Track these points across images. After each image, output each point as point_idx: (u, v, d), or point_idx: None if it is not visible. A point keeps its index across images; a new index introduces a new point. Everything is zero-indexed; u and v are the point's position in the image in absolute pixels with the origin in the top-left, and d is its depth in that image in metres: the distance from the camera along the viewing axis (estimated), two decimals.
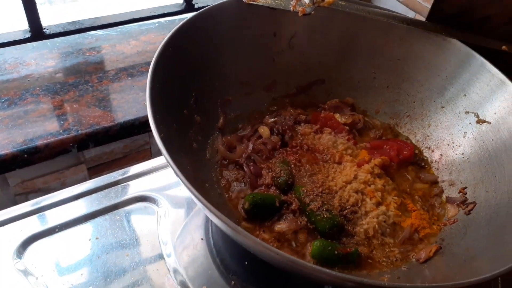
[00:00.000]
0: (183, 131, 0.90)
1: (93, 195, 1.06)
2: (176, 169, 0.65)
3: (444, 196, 1.00)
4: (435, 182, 1.02)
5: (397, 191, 0.98)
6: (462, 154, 1.01)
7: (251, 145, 1.00)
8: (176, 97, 0.90)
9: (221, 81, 1.05)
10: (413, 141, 1.12)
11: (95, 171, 1.30)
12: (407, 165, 1.05)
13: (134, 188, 1.09)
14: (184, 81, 0.94)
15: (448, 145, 1.05)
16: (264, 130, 1.04)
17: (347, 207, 0.89)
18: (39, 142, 1.13)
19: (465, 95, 1.04)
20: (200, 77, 0.99)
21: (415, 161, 1.07)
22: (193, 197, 0.64)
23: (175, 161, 0.67)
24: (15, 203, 1.08)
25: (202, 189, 0.85)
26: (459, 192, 0.98)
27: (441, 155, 1.06)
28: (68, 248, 0.95)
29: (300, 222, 0.87)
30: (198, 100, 0.97)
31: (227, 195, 0.92)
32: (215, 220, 0.62)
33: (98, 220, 1.01)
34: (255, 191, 0.92)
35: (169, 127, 0.84)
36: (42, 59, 1.40)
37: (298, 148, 1.01)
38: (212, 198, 0.87)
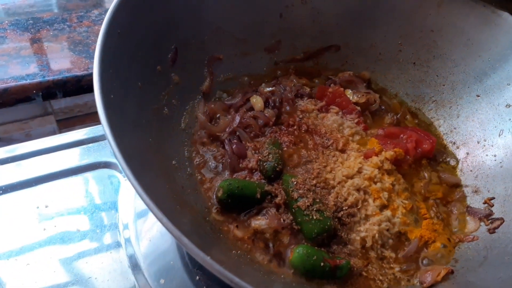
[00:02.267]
0: (152, 91, 0.73)
1: (50, 154, 0.91)
2: (111, 138, 0.48)
3: (464, 204, 0.82)
4: (456, 186, 0.84)
5: (408, 192, 0.80)
6: (495, 156, 0.83)
7: (238, 118, 0.82)
8: (147, 48, 0.72)
9: (212, 34, 0.86)
10: (436, 133, 0.93)
11: (66, 124, 1.14)
12: (424, 161, 0.87)
13: (100, 151, 0.93)
14: (161, 29, 0.75)
15: (478, 142, 0.87)
16: (257, 101, 0.86)
17: (344, 208, 0.73)
18: None
19: (509, 85, 0.84)
20: (184, 26, 0.80)
21: (435, 157, 0.88)
22: (131, 184, 0.47)
23: (117, 133, 0.50)
24: None
25: (164, 169, 0.68)
26: (484, 203, 0.80)
27: (468, 153, 0.88)
28: (9, 215, 0.81)
29: (284, 220, 0.70)
30: (179, 55, 0.79)
31: (199, 177, 0.75)
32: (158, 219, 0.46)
33: (51, 184, 0.87)
34: (234, 176, 0.76)
35: (131, 86, 0.66)
36: None
37: (295, 128, 0.83)
38: (177, 180, 0.70)
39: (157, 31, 0.74)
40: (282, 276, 0.66)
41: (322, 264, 0.65)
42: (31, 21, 1.12)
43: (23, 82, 0.99)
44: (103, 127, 0.50)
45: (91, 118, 1.16)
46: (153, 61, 0.74)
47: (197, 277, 0.76)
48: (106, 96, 0.54)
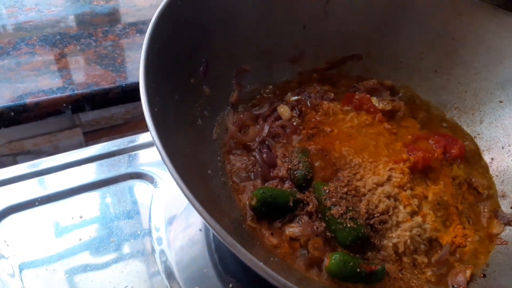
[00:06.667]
0: (187, 104, 0.75)
1: (83, 166, 0.93)
2: (162, 152, 0.50)
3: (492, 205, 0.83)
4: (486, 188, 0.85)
5: (437, 198, 0.81)
6: None
7: (267, 127, 0.84)
8: (182, 62, 0.74)
9: (239, 47, 0.88)
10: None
11: (92, 136, 1.16)
12: (453, 165, 0.88)
13: (130, 162, 0.95)
14: (194, 43, 0.78)
15: (503, 148, 0.88)
16: (284, 110, 0.88)
17: (376, 215, 0.74)
18: (28, 100, 1.00)
19: None
20: (214, 39, 0.83)
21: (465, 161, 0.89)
22: (180, 191, 0.49)
23: (164, 143, 0.52)
24: (2, 165, 0.96)
25: (201, 177, 0.70)
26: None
27: (493, 159, 0.89)
28: (47, 225, 0.83)
29: (317, 228, 0.72)
30: (209, 68, 0.81)
31: (232, 186, 0.77)
32: (204, 220, 0.47)
33: (85, 196, 0.89)
34: (266, 184, 0.77)
35: (169, 98, 0.69)
36: (44, 5, 1.25)
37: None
38: (213, 188, 0.72)
39: (190, 46, 0.76)
40: (319, 282, 0.67)
41: (358, 270, 0.66)
42: (58, 37, 1.15)
43: (54, 96, 1.02)
44: (152, 138, 0.52)
45: (116, 131, 1.19)
46: (186, 75, 0.76)
47: (230, 285, 0.77)
48: (152, 109, 0.56)
